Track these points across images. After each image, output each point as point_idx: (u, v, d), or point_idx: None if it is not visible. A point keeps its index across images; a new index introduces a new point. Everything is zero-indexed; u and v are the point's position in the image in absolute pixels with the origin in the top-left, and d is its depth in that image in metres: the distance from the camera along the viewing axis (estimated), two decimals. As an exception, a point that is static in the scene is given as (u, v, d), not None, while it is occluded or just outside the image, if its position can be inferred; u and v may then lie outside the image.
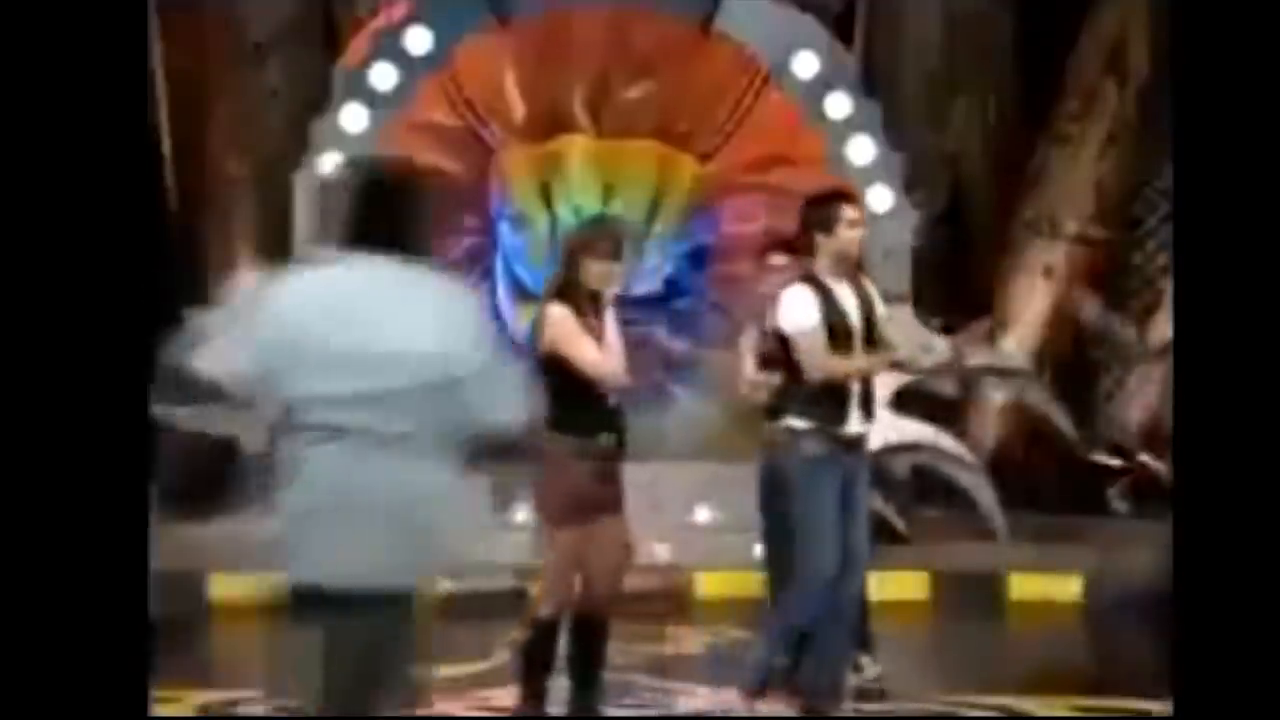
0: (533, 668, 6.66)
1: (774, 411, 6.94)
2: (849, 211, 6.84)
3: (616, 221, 7.33)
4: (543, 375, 6.54)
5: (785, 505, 6.85)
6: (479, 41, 12.32)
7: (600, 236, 6.76)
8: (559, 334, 6.51)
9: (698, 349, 12.67)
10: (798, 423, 6.77)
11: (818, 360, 6.68)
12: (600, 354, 6.55)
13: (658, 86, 12.43)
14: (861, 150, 12.32)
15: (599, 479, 6.61)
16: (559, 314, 6.53)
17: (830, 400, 6.73)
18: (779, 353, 6.89)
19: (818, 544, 6.66)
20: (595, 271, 6.60)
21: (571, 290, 6.59)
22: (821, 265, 6.82)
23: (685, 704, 7.53)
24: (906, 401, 12.09)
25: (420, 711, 6.48)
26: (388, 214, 4.25)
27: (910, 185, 12.49)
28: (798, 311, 6.73)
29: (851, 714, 7.57)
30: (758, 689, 6.87)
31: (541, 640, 6.64)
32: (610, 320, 6.64)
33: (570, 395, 6.54)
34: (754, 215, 12.62)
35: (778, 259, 7.91)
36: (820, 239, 6.80)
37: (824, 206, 6.88)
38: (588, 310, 6.59)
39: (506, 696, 6.97)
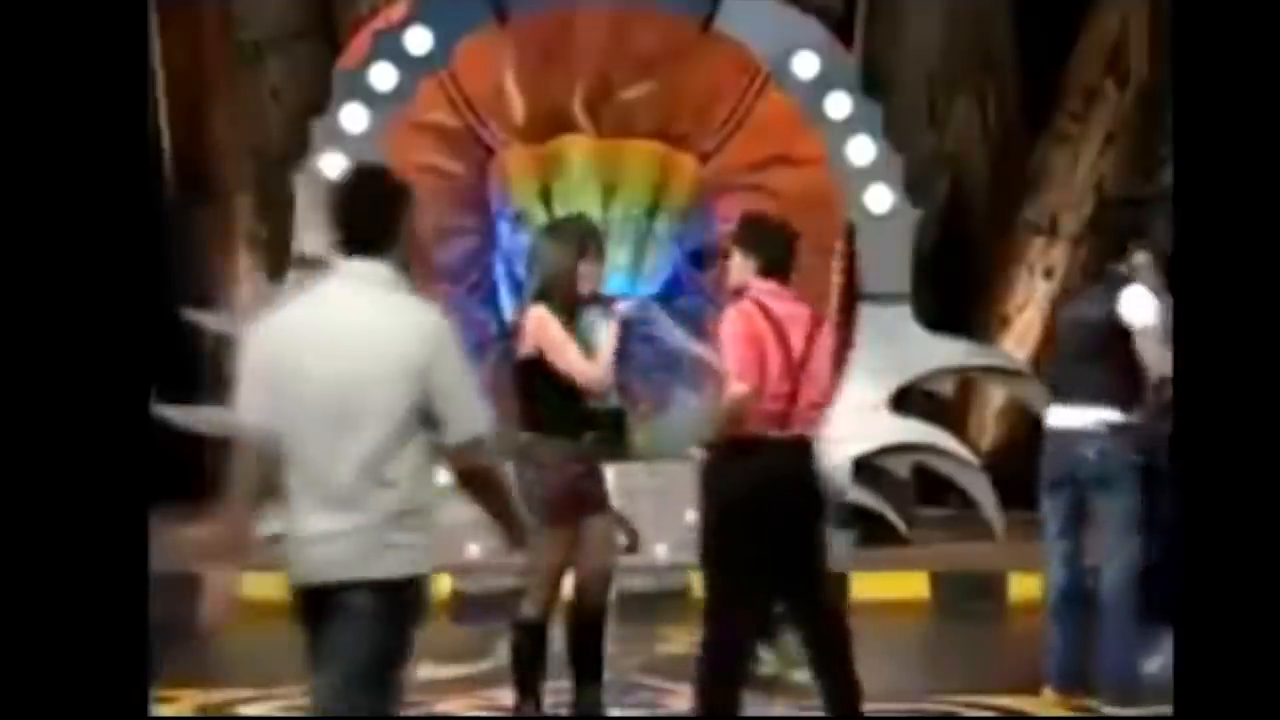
0: (523, 670, 6.65)
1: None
2: None
3: (590, 221, 7.34)
4: (527, 377, 6.56)
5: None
6: (479, 41, 12.32)
7: (586, 238, 6.79)
8: (542, 337, 6.52)
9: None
10: (1131, 418, 6.96)
11: (1161, 358, 6.81)
12: (581, 358, 6.55)
13: (658, 86, 12.42)
14: (861, 150, 12.32)
15: (587, 478, 6.63)
16: (542, 317, 6.55)
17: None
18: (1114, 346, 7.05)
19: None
20: (584, 273, 6.62)
21: (556, 292, 6.60)
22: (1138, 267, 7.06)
23: (685, 704, 7.53)
24: (906, 401, 12.10)
25: (421, 711, 6.50)
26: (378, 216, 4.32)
27: (910, 185, 12.49)
28: (1146, 307, 6.91)
29: (852, 714, 7.56)
30: None
31: (529, 642, 6.63)
32: (610, 330, 6.64)
33: (555, 396, 6.55)
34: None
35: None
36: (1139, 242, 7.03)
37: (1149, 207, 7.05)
38: (572, 312, 6.61)
39: (507, 696, 6.97)
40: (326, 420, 4.14)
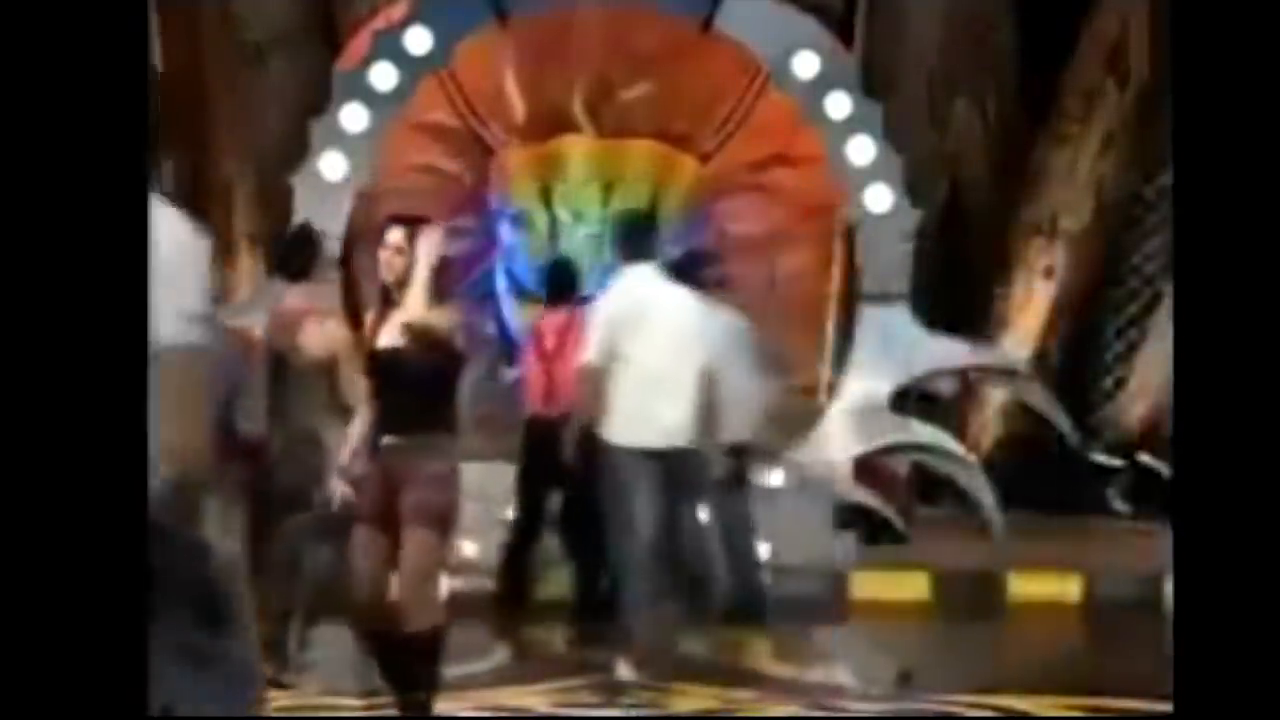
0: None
1: None
2: None
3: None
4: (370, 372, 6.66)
5: None
6: (479, 41, 12.32)
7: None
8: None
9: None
10: None
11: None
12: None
13: (658, 86, 12.43)
14: (861, 150, 12.32)
15: (378, 482, 6.45)
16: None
17: None
18: None
19: None
20: (384, 259, 6.60)
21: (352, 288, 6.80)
22: None
23: (686, 704, 7.54)
24: (906, 401, 12.11)
25: (420, 712, 6.50)
26: None
27: (910, 185, 12.50)
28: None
29: (856, 715, 7.58)
30: None
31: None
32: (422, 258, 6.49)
33: (392, 393, 6.54)
34: (753, 215, 12.64)
35: None
36: None
37: None
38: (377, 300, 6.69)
39: (507, 696, 6.99)
40: None
